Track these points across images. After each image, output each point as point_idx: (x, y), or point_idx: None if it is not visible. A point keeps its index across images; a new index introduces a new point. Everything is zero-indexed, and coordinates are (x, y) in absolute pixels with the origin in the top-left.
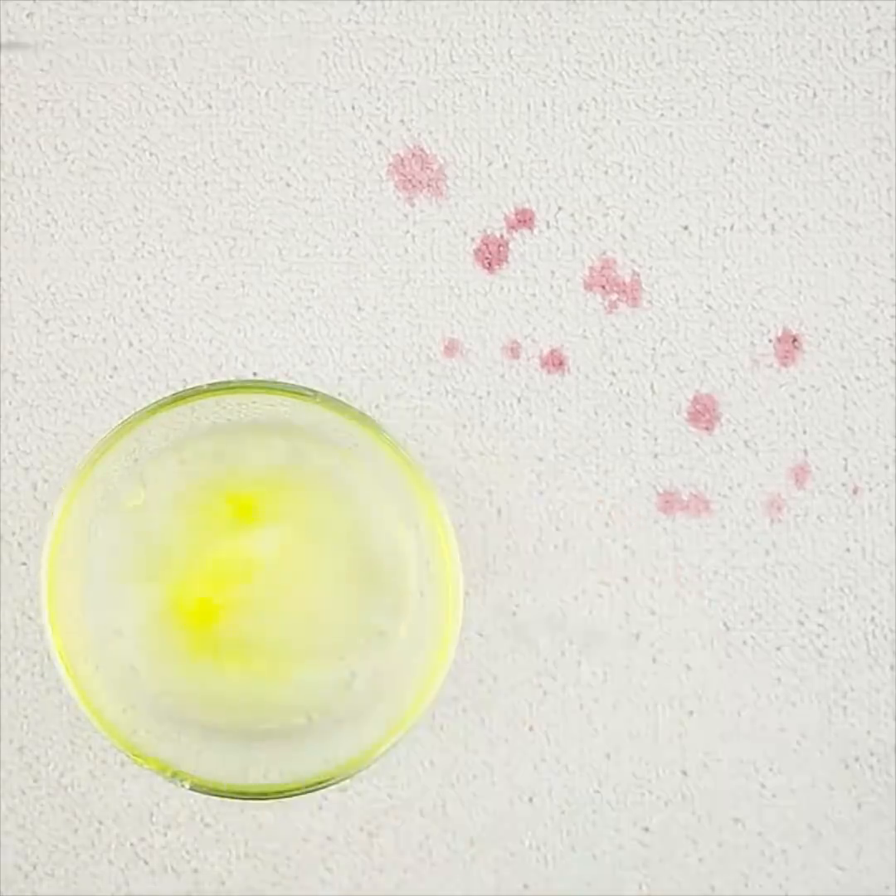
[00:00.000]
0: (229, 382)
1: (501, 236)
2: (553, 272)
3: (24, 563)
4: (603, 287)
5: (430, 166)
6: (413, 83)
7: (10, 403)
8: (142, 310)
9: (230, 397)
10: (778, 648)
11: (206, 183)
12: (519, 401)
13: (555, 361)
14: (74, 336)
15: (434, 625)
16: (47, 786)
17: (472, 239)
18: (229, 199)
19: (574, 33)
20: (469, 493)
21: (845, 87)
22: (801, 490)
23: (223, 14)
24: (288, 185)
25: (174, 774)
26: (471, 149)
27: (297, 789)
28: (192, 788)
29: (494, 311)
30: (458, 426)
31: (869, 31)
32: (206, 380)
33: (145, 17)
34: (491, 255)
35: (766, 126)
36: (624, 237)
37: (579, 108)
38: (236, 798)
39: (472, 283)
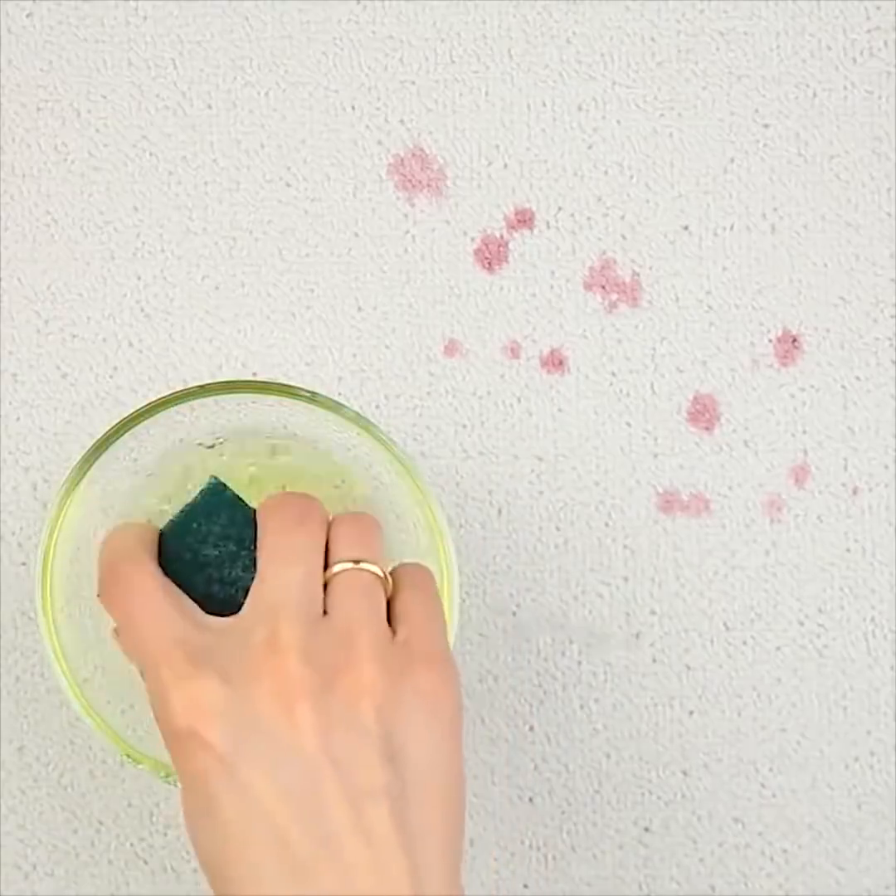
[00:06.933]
0: (228, 382)
1: (501, 236)
2: (553, 272)
3: (24, 563)
4: (603, 287)
5: (430, 166)
6: (413, 83)
7: (10, 403)
8: (142, 310)
9: (230, 397)
10: (778, 648)
11: (206, 183)
12: (519, 401)
13: (555, 361)
14: (74, 336)
15: None
16: (47, 786)
17: (472, 239)
18: (229, 199)
19: (574, 33)
20: (469, 493)
21: (845, 87)
22: (801, 490)
23: (223, 14)
24: (288, 185)
25: (168, 775)
26: (471, 149)
27: None
28: None
29: (494, 311)
30: (458, 426)
31: (869, 31)
32: (206, 380)
33: (145, 17)
34: (491, 255)
35: (766, 126)
36: (624, 237)
37: (579, 108)
38: None
39: (472, 283)
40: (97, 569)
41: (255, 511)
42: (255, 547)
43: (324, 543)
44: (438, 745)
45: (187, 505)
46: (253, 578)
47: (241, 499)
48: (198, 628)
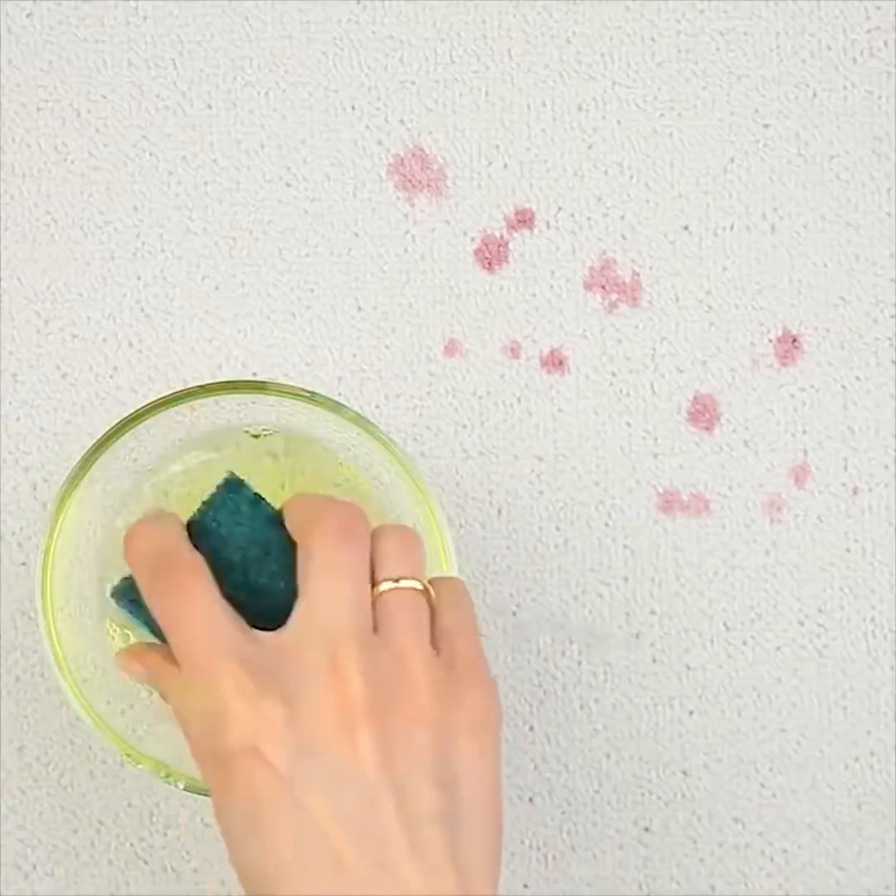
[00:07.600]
0: (228, 382)
1: (501, 236)
2: (553, 272)
3: (24, 563)
4: (603, 287)
5: (430, 166)
6: (413, 83)
7: (10, 403)
8: (142, 310)
9: (230, 397)
10: (778, 648)
11: (206, 183)
12: (519, 401)
13: (555, 361)
14: (74, 336)
15: None
16: (47, 786)
17: (472, 239)
18: (229, 199)
19: (574, 33)
20: (469, 493)
21: (845, 87)
22: (801, 490)
23: (223, 14)
24: (288, 185)
25: (168, 775)
26: (471, 149)
27: None
28: (185, 789)
29: (494, 311)
30: (458, 426)
31: (869, 31)
32: (206, 380)
33: (145, 17)
34: (491, 255)
35: (766, 126)
36: (624, 237)
37: (579, 108)
38: None
39: (472, 283)
40: (129, 561)
41: (277, 511)
42: (280, 551)
43: (368, 556)
44: (487, 770)
45: (205, 503)
46: (280, 587)
47: (261, 497)
48: (253, 644)
